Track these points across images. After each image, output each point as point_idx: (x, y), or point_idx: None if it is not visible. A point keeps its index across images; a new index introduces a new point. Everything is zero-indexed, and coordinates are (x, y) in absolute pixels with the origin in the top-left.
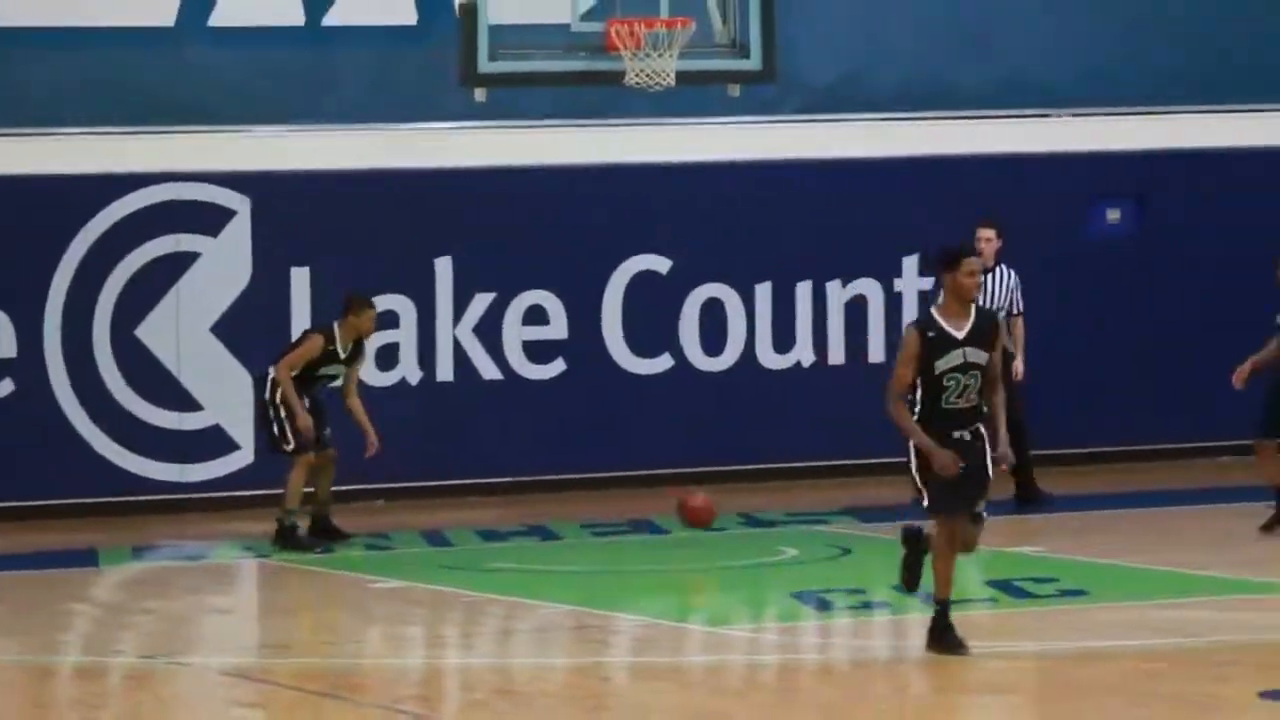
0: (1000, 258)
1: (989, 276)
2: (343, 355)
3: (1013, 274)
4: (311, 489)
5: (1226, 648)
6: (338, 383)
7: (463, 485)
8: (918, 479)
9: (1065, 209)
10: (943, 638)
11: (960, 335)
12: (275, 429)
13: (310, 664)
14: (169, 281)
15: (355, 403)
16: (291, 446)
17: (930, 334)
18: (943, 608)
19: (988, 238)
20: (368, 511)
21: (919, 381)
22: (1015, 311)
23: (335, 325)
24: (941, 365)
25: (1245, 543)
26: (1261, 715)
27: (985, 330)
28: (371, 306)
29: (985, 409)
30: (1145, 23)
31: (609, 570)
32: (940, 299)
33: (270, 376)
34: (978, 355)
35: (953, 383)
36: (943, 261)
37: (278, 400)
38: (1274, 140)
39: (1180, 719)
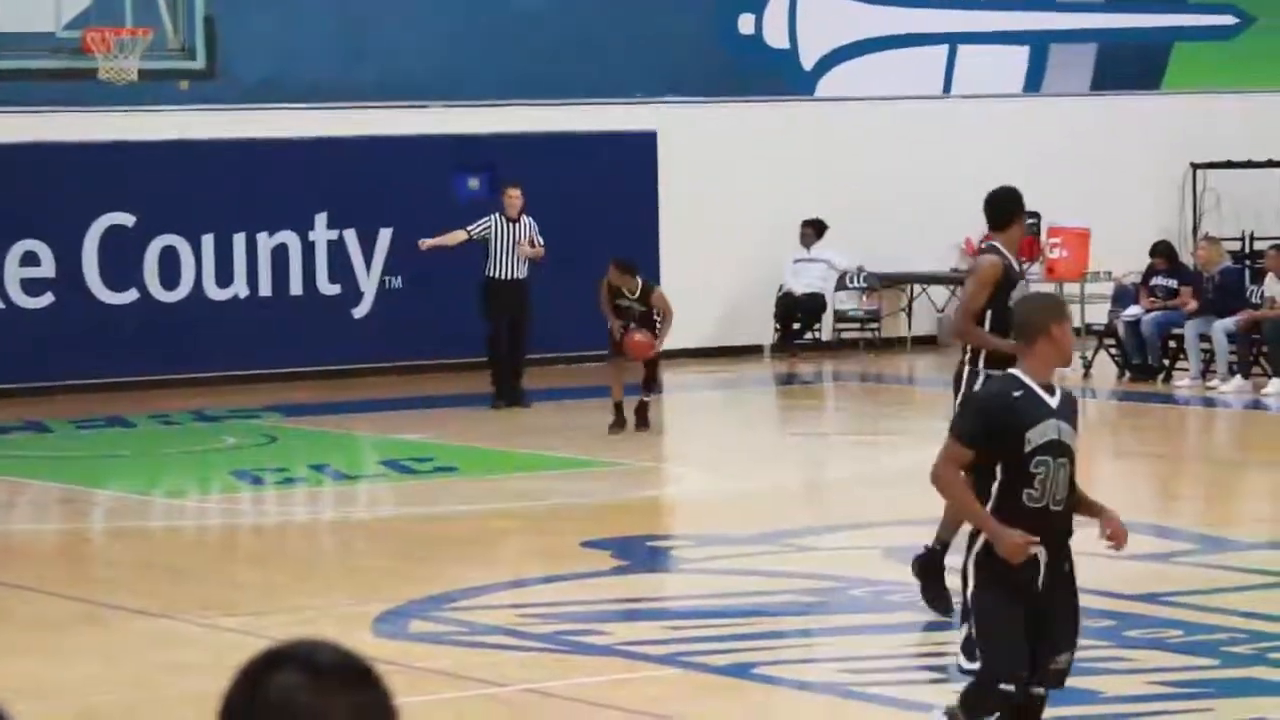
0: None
1: (515, 226)
2: None
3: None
4: None
5: (560, 509)
6: None
7: None
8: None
9: (433, 177)
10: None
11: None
12: None
13: None
14: None
15: None
16: None
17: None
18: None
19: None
20: None
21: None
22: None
23: None
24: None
25: (595, 432)
26: (584, 560)
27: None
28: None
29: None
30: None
31: (90, 456)
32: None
33: None
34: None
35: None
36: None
37: None
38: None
39: (523, 561)
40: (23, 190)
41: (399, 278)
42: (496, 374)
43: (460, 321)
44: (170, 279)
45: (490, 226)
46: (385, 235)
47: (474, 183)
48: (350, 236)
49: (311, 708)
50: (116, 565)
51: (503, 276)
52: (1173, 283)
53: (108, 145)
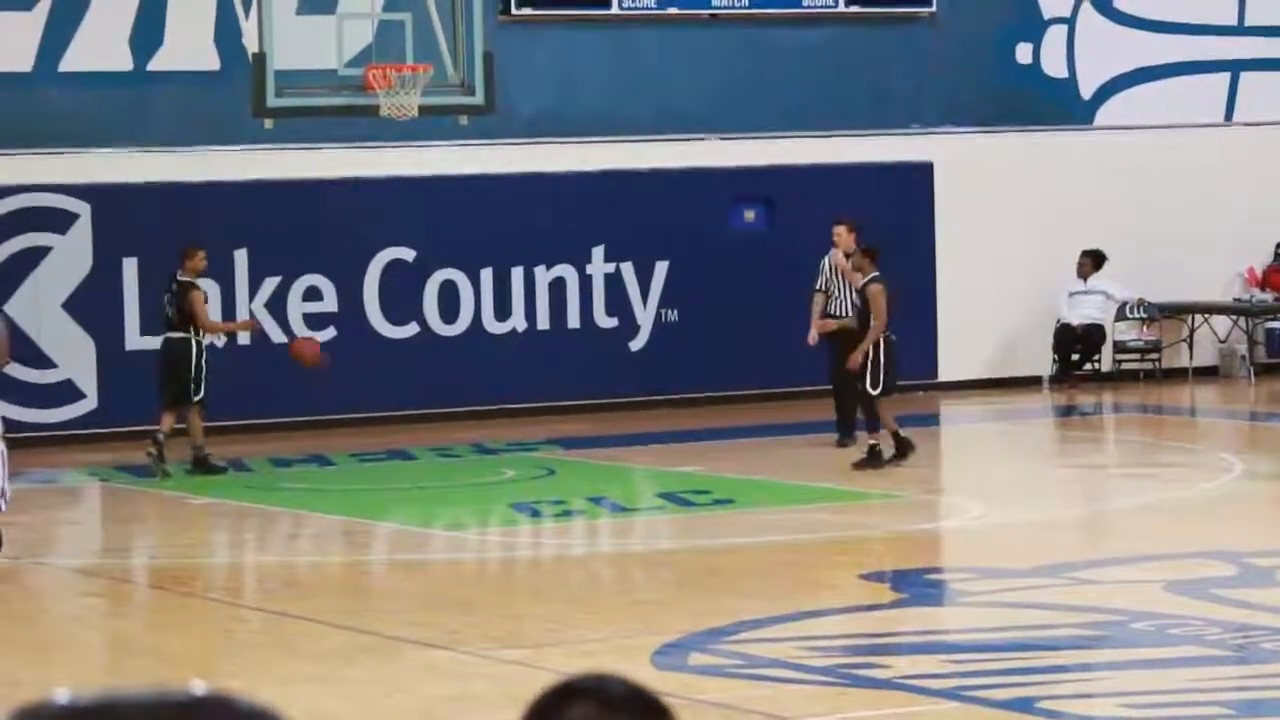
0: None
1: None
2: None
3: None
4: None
5: (838, 541)
6: None
7: (257, 424)
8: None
9: (709, 209)
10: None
11: None
12: (191, 383)
13: (141, 563)
14: (31, 268)
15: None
16: (199, 397)
17: None
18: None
19: (839, 233)
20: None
21: None
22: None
23: (182, 276)
24: None
25: (844, 463)
26: (863, 592)
27: None
28: (201, 248)
29: None
30: (771, 62)
31: (371, 489)
32: None
33: (189, 338)
34: None
35: None
36: None
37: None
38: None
39: (801, 594)
40: (306, 226)
41: (675, 311)
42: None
43: (734, 354)
44: (449, 312)
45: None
46: (661, 268)
47: (750, 215)
48: (627, 269)
49: None
50: (397, 597)
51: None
52: None
53: (387, 180)
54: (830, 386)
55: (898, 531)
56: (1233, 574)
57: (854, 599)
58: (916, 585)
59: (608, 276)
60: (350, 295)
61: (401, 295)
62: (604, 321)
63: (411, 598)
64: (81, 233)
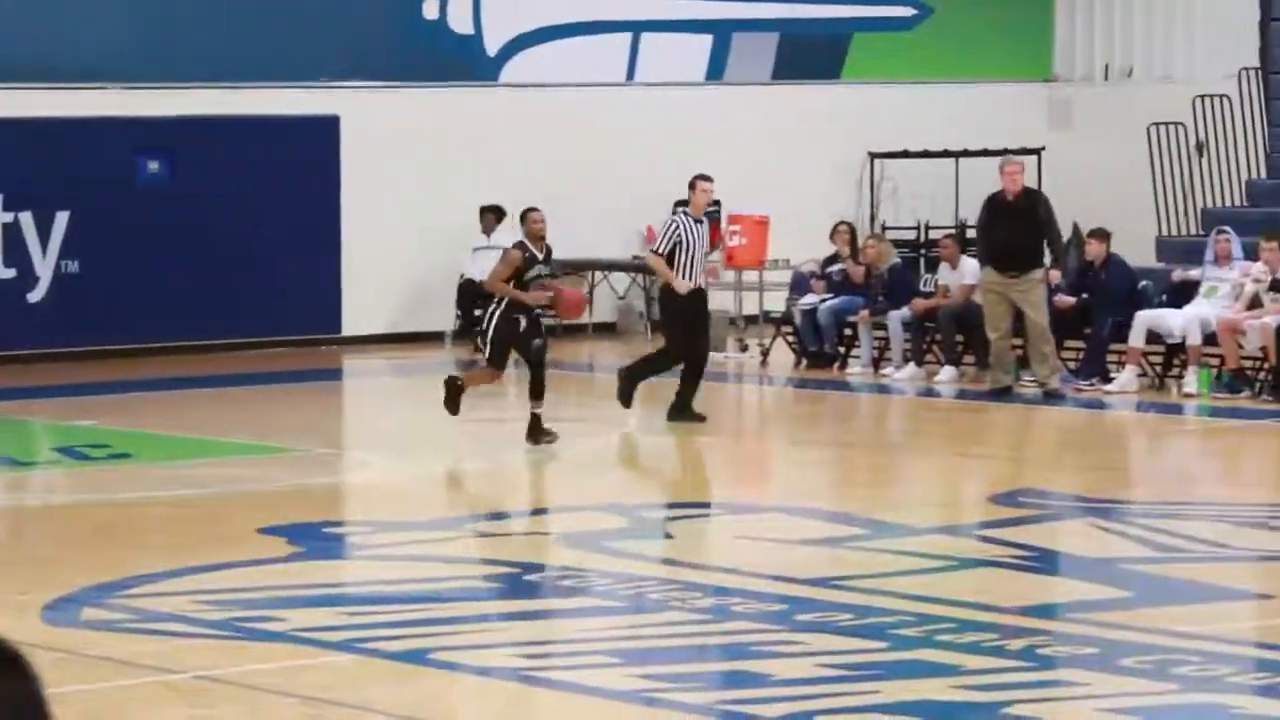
0: None
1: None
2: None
3: None
4: None
5: (237, 495)
6: None
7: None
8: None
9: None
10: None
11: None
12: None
13: None
14: None
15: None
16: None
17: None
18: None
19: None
20: None
21: None
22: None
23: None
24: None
25: (278, 418)
26: (260, 546)
27: None
28: (536, 210)
29: None
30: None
31: None
32: None
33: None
34: None
35: None
36: None
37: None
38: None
39: (198, 548)
40: None
41: (76, 262)
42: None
43: (144, 305)
44: None
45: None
46: (62, 218)
47: (154, 165)
48: (26, 219)
49: None
50: None
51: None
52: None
53: None
54: None
55: (298, 485)
56: (624, 525)
57: (251, 553)
58: (315, 539)
59: (5, 226)
60: None
61: None
62: (2, 272)
63: None
64: None
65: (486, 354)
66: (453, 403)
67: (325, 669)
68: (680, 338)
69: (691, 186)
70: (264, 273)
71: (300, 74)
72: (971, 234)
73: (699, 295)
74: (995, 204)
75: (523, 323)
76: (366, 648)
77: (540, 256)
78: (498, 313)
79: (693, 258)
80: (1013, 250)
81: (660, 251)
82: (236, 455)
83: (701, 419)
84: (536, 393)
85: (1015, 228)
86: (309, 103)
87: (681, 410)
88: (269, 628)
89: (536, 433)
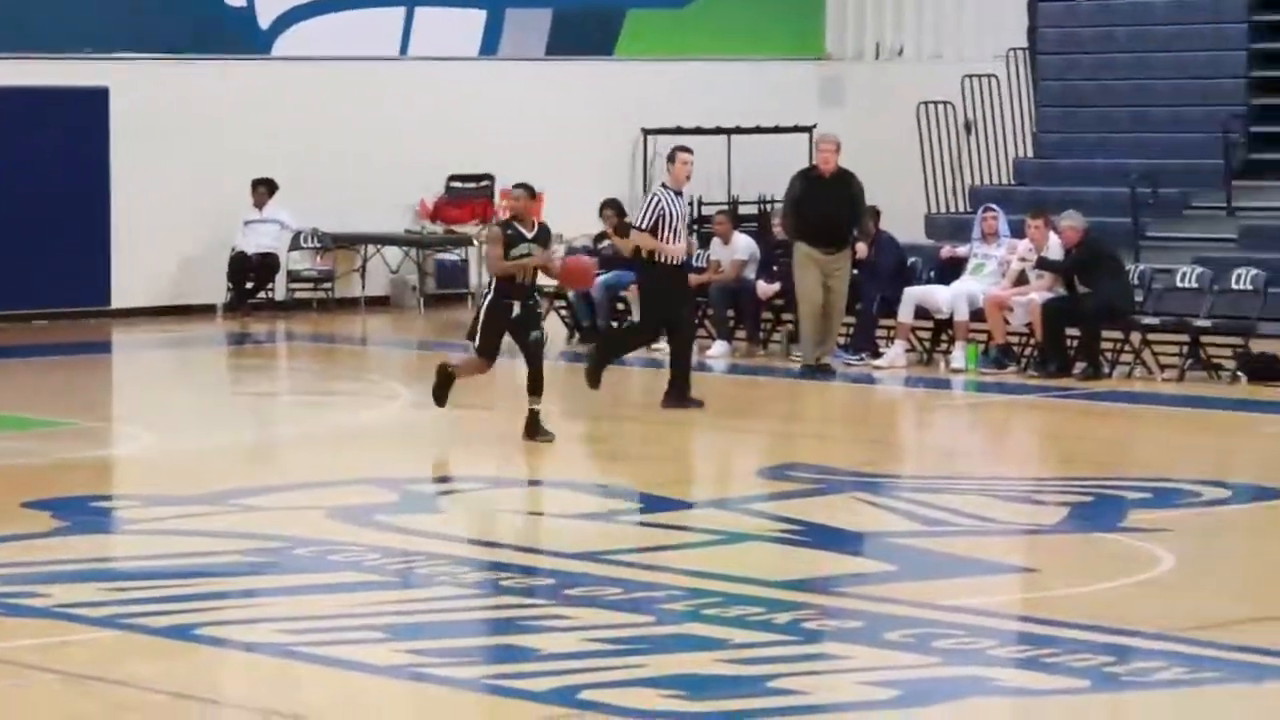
0: None
1: None
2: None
3: None
4: None
5: (1, 469)
6: None
7: None
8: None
9: None
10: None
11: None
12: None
13: None
14: None
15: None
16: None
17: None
18: None
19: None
20: None
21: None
22: None
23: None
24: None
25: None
26: (24, 520)
27: None
28: (521, 186)
29: None
30: None
31: None
32: None
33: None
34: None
35: None
36: None
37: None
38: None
39: None
40: None
41: None
42: None
43: None
44: None
45: None
46: None
47: None
48: None
49: None
50: None
51: None
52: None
53: None
54: None
55: (64, 459)
56: (394, 500)
57: (15, 528)
58: (80, 513)
59: None
60: None
61: None
62: None
63: None
64: None
65: (476, 342)
66: (441, 391)
67: (89, 645)
68: (661, 313)
69: (671, 159)
70: (31, 245)
71: (68, 44)
72: (744, 210)
73: (684, 268)
74: (810, 179)
75: (515, 308)
76: (131, 623)
77: (529, 235)
78: (489, 298)
79: (675, 230)
80: (829, 225)
81: (643, 226)
82: (1, 429)
83: (699, 404)
84: (534, 388)
85: (829, 203)
86: (77, 74)
87: (679, 397)
88: (31, 603)
89: (533, 430)
